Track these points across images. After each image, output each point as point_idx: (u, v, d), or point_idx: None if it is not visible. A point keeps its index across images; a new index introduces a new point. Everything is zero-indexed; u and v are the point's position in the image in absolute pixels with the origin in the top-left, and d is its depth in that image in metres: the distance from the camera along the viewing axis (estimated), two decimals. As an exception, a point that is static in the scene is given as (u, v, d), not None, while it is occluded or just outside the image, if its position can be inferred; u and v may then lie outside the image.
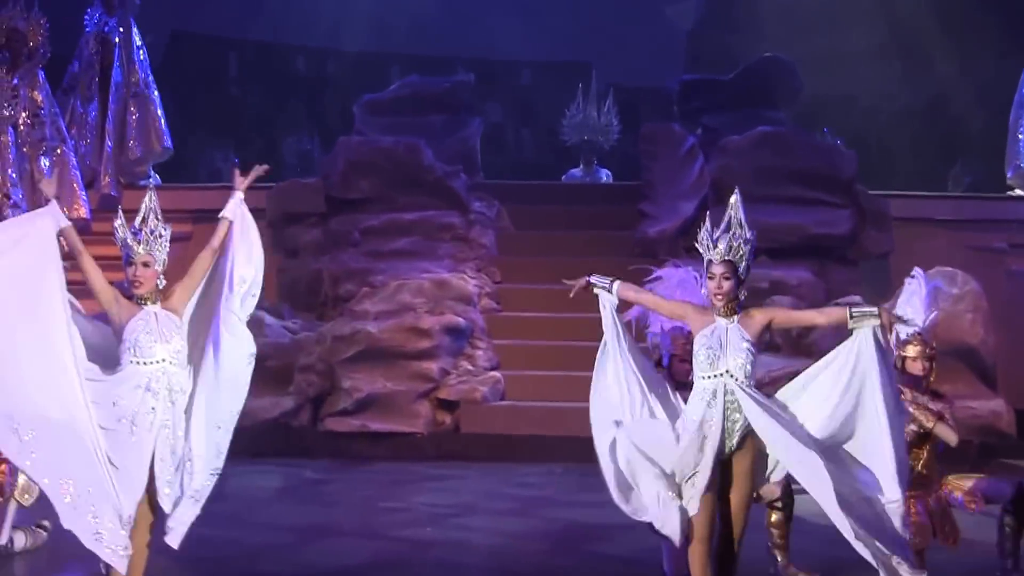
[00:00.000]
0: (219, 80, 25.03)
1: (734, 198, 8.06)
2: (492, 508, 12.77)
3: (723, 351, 7.85)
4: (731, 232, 7.94)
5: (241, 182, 8.37)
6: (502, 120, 26.75)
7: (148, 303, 8.00)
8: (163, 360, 7.90)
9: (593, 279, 8.27)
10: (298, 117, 24.97)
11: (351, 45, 25.81)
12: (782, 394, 8.04)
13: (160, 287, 8.04)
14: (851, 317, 7.91)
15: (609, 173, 21.26)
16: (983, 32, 18.87)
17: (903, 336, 9.26)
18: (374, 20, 24.87)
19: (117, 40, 18.76)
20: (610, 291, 8.18)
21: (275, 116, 25.13)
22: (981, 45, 19.10)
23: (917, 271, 9.88)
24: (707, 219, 8.09)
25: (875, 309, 7.94)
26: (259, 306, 15.64)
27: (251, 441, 14.22)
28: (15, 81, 16.95)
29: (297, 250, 17.85)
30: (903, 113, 20.19)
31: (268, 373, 14.72)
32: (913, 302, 9.58)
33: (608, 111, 21.23)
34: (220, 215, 8.28)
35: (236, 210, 8.28)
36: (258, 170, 8.49)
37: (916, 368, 9.20)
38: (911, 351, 9.24)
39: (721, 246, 7.91)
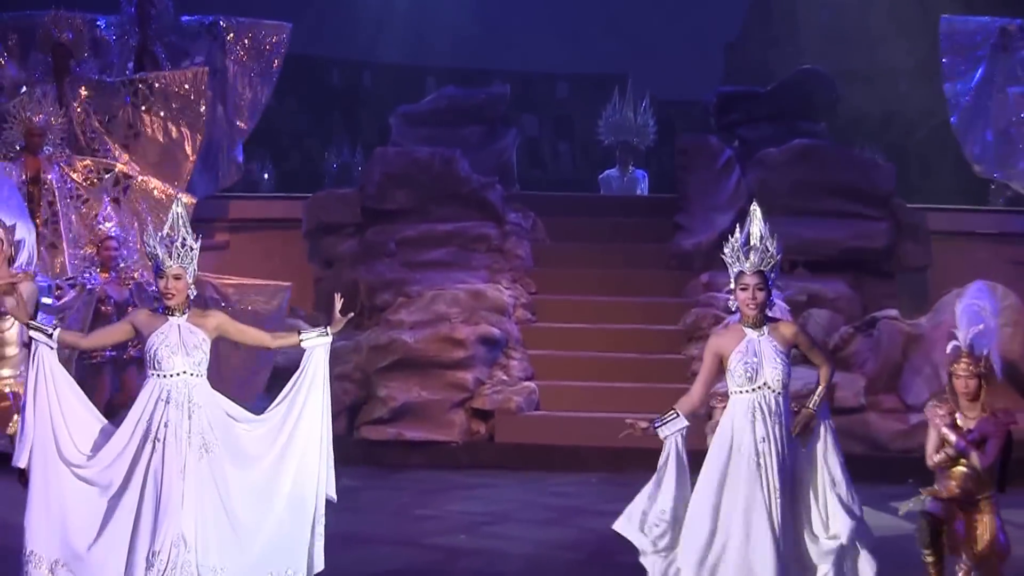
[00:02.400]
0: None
1: (755, 209, 8.07)
2: (526, 517, 12.80)
3: (760, 363, 7.84)
4: (761, 243, 7.94)
5: (338, 321, 8.36)
6: (538, 133, 26.78)
7: (175, 315, 8.02)
8: (183, 372, 7.93)
9: (656, 424, 8.08)
10: (335, 129, 25.04)
11: (387, 57, 25.90)
12: None
13: (191, 297, 8.07)
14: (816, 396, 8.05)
15: (645, 174, 21.21)
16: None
17: (954, 350, 9.25)
18: (410, 32, 24.96)
19: (163, 54, 18.44)
20: (678, 416, 8.04)
21: (311, 128, 25.22)
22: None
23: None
24: (736, 231, 8.07)
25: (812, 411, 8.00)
26: (295, 315, 15.82)
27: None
28: (72, 95, 16.74)
29: (333, 260, 17.89)
30: (942, 128, 20.07)
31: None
32: (960, 320, 9.52)
33: (644, 112, 21.20)
34: (302, 339, 8.26)
35: (318, 352, 8.28)
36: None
37: (961, 386, 9.11)
38: (959, 369, 9.17)
39: (753, 257, 7.90)
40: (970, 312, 9.47)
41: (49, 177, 15.61)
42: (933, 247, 17.26)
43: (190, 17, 18.52)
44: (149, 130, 16.99)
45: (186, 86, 17.07)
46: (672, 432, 8.01)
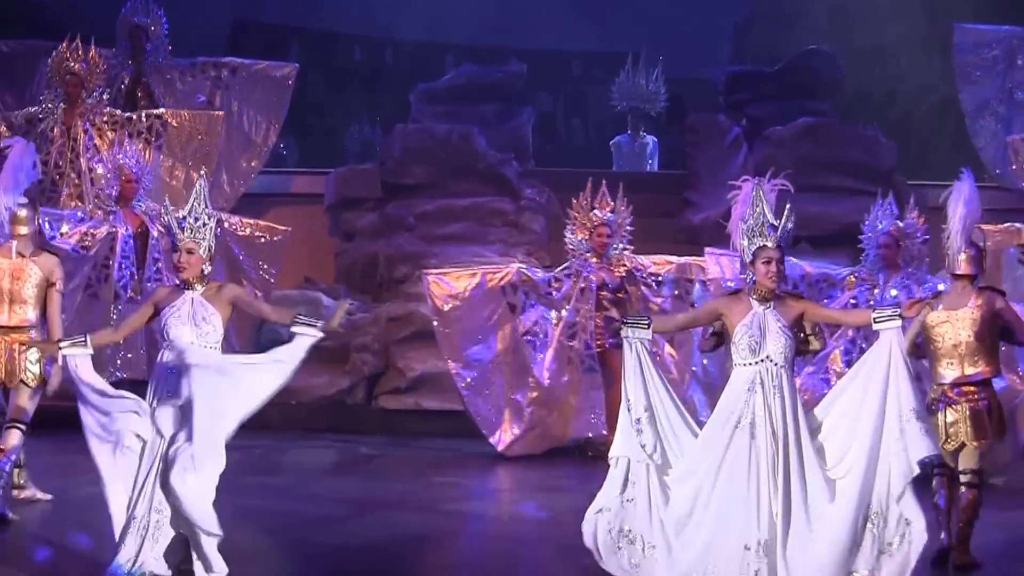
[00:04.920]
0: (280, 68, 25.46)
1: (759, 189, 8.22)
2: (540, 485, 13.13)
3: (763, 337, 7.89)
4: (784, 217, 8.11)
5: (331, 325, 8.35)
6: (553, 110, 26.92)
7: (190, 289, 8.30)
8: (191, 343, 8.17)
9: (628, 324, 8.12)
10: (357, 105, 25.23)
11: (408, 35, 26.07)
12: (818, 411, 8.06)
13: (205, 272, 8.36)
14: (875, 321, 7.98)
15: (655, 140, 21.44)
16: (1020, 25, 19.12)
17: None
18: (430, 10, 25.17)
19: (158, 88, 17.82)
20: (647, 327, 8.08)
21: (334, 104, 25.41)
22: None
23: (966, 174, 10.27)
24: (761, 205, 8.15)
25: (898, 310, 8.03)
26: (317, 287, 16.13)
27: (308, 417, 14.84)
28: (85, 126, 16.29)
29: (354, 234, 18.14)
30: (942, 105, 20.46)
31: (325, 353, 14.95)
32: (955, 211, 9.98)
33: (656, 80, 21.54)
34: (293, 323, 8.29)
35: (301, 340, 8.31)
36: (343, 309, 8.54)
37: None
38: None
39: (776, 232, 8.05)
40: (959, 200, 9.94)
41: (154, 233, 15.16)
42: (932, 222, 17.57)
43: (194, 59, 18.03)
44: (158, 170, 16.55)
45: (200, 130, 16.77)
46: (633, 337, 8.02)
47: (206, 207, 8.39)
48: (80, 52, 16.23)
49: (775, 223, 8.05)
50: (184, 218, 8.32)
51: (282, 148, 20.76)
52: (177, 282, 8.44)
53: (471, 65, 20.89)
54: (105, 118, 16.48)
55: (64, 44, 16.16)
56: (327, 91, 25.48)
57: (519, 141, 19.74)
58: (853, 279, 14.14)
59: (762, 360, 7.88)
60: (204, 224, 8.32)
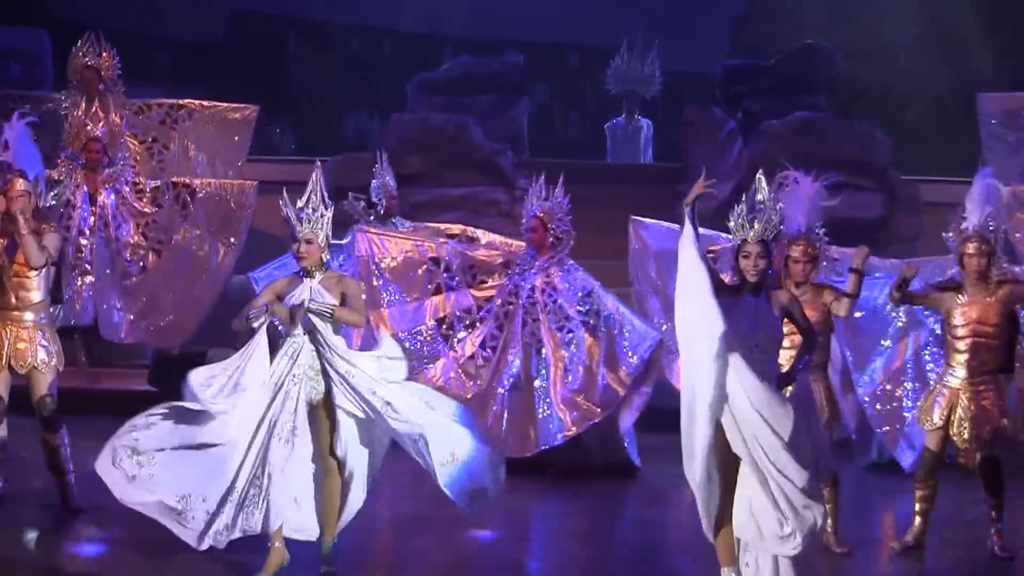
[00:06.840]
0: (278, 58, 25.44)
1: (760, 179, 8.36)
2: (528, 464, 12.87)
3: (757, 325, 7.97)
4: (765, 212, 8.13)
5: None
6: (550, 102, 26.99)
7: (309, 277, 8.60)
8: (307, 331, 8.52)
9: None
10: (354, 95, 25.33)
11: (406, 26, 26.16)
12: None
13: (325, 260, 8.68)
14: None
15: (650, 123, 21.45)
16: (1018, 24, 19.18)
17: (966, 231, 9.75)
18: (428, 2, 25.23)
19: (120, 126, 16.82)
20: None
21: (332, 94, 25.50)
22: (1016, 36, 19.47)
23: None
24: (743, 200, 8.24)
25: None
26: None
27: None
28: (110, 194, 15.85)
29: (349, 223, 18.22)
30: (939, 102, 20.50)
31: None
32: (972, 200, 10.01)
33: (651, 63, 21.55)
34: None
35: None
36: None
37: (973, 265, 9.67)
38: (970, 248, 9.71)
39: (757, 227, 8.08)
40: (984, 191, 9.97)
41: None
42: (926, 218, 17.62)
43: (147, 100, 17.37)
44: (183, 239, 16.18)
45: (229, 199, 16.18)
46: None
47: (323, 198, 8.67)
48: (94, 47, 16.35)
49: (757, 217, 8.11)
50: (302, 209, 8.60)
51: (278, 132, 20.74)
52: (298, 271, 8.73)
53: (468, 56, 20.99)
54: (129, 187, 16.11)
55: (80, 43, 16.34)
56: (324, 81, 25.57)
57: (515, 132, 19.93)
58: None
59: (752, 348, 7.87)
60: (322, 215, 8.60)
